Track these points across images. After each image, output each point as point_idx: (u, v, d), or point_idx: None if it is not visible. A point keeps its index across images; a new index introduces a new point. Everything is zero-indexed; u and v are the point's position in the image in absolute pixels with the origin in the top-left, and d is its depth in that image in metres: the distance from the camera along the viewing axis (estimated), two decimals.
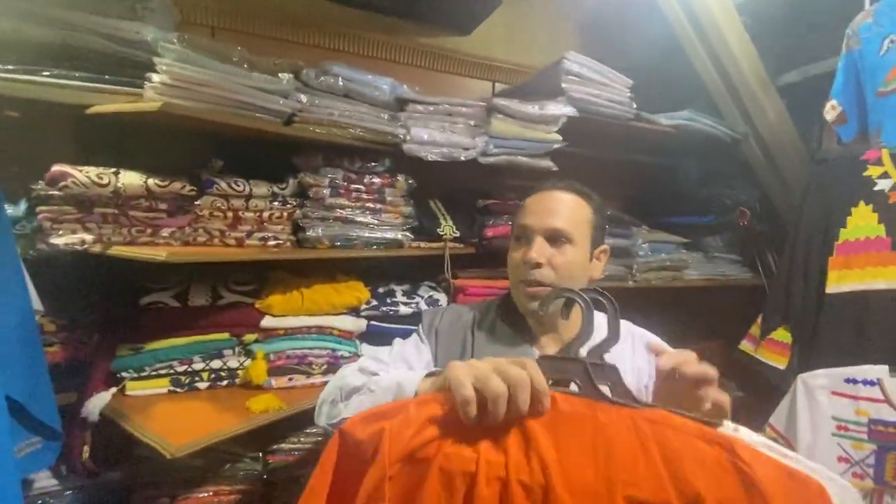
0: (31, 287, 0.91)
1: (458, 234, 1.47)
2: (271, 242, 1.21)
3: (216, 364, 1.19)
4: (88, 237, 1.02)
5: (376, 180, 1.33)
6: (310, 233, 1.23)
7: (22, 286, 0.89)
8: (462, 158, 1.39)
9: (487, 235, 1.48)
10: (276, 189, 1.20)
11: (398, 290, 1.45)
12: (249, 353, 1.22)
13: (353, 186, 1.29)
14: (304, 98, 1.21)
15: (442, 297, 1.47)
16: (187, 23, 1.32)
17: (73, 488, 1.13)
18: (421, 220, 1.43)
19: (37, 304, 0.93)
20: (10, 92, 0.97)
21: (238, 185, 1.13)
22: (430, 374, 0.67)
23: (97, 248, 1.02)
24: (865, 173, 1.31)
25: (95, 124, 1.08)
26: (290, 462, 1.31)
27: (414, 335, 1.01)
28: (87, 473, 1.11)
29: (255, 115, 1.13)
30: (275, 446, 1.32)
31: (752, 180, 1.85)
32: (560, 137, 1.48)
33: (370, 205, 1.32)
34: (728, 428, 0.47)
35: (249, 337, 1.23)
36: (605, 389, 0.51)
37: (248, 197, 1.15)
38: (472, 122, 1.44)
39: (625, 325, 0.98)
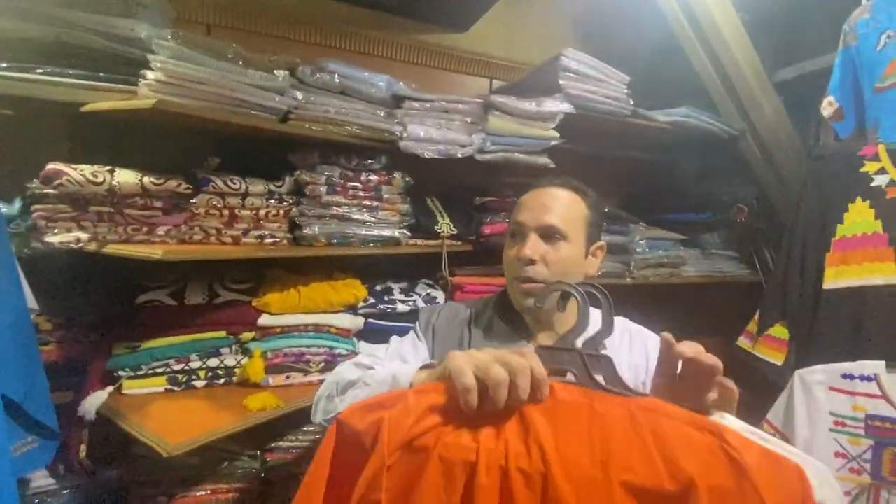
0: (26, 286, 0.91)
1: (455, 232, 1.47)
2: (268, 240, 1.20)
3: (213, 362, 1.19)
4: (83, 235, 1.02)
5: (373, 178, 1.32)
6: (306, 230, 1.23)
7: (17, 285, 0.88)
8: (459, 155, 1.39)
9: (485, 233, 1.48)
10: (272, 187, 1.19)
11: (396, 287, 1.45)
12: (246, 352, 1.22)
13: (350, 184, 1.29)
14: (299, 95, 1.20)
15: (440, 295, 1.47)
16: (183, 20, 1.31)
17: (70, 487, 1.13)
18: (418, 218, 1.42)
19: (32, 302, 0.93)
20: (4, 90, 0.96)
21: (234, 183, 1.12)
22: (425, 367, 0.67)
23: (92, 247, 1.02)
24: (862, 169, 1.31)
25: (90, 122, 1.07)
26: (288, 460, 1.31)
27: (411, 333, 1.01)
28: (84, 472, 1.11)
29: (250, 113, 1.13)
30: (272, 444, 1.32)
31: (750, 177, 1.85)
32: (557, 134, 1.48)
33: (367, 202, 1.32)
34: (715, 415, 0.49)
35: (246, 335, 1.23)
36: (599, 379, 0.52)
37: (245, 195, 1.15)
38: (468, 119, 1.44)
39: (622, 322, 0.98)
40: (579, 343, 0.54)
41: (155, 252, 0.98)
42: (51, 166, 0.97)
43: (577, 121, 1.49)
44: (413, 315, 1.30)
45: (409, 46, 1.65)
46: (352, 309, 1.34)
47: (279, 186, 1.21)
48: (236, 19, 1.39)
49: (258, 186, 1.16)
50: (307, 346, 1.25)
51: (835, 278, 1.32)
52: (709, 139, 1.78)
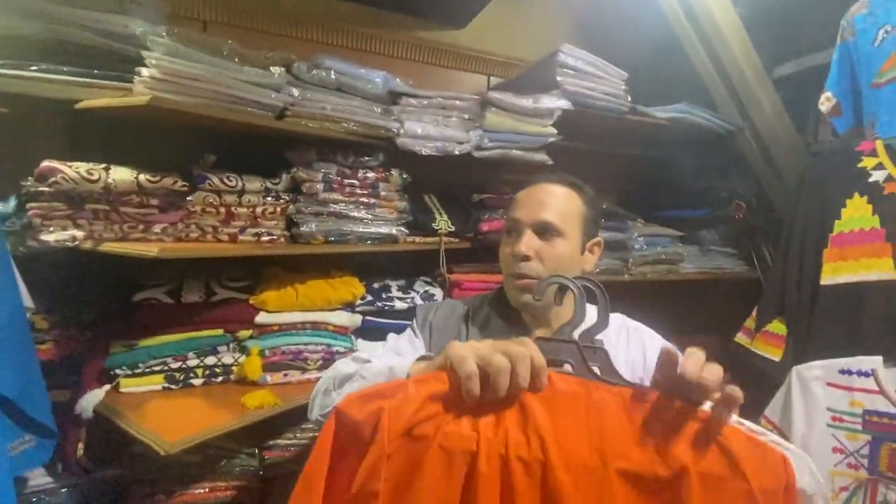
0: (21, 284, 0.91)
1: (453, 229, 1.47)
2: (265, 238, 1.20)
3: (211, 360, 1.19)
4: (79, 234, 1.01)
5: (370, 175, 1.32)
6: (303, 228, 1.23)
7: (12, 283, 0.88)
8: (456, 152, 1.39)
9: (482, 230, 1.48)
10: (269, 184, 1.19)
11: (393, 285, 1.45)
12: (244, 350, 1.22)
13: (347, 181, 1.29)
14: (296, 92, 1.20)
15: (438, 292, 1.47)
16: (178, 16, 1.30)
17: (68, 486, 1.13)
18: (416, 215, 1.42)
19: (28, 301, 0.92)
20: None
21: (230, 181, 1.12)
22: (422, 358, 0.67)
23: (88, 245, 1.02)
24: (860, 165, 1.31)
25: (85, 119, 1.07)
26: (287, 457, 1.31)
27: (408, 330, 1.00)
28: (81, 471, 1.11)
29: (246, 110, 1.12)
30: (271, 442, 1.32)
31: (748, 173, 1.85)
32: (555, 131, 1.48)
33: (364, 199, 1.31)
34: (706, 405, 0.50)
35: (244, 333, 1.23)
36: (596, 370, 0.53)
37: (241, 192, 1.14)
38: (466, 116, 1.43)
39: (620, 318, 0.98)
40: (575, 335, 0.55)
41: (151, 250, 0.97)
42: (46, 164, 0.96)
43: (574, 117, 1.48)
44: (411, 312, 1.30)
45: (407, 43, 1.65)
46: (349, 306, 1.34)
47: (276, 184, 1.20)
48: (232, 16, 1.38)
49: (255, 184, 1.16)
50: (305, 344, 1.25)
51: (832, 274, 1.32)
52: (707, 135, 1.78)
